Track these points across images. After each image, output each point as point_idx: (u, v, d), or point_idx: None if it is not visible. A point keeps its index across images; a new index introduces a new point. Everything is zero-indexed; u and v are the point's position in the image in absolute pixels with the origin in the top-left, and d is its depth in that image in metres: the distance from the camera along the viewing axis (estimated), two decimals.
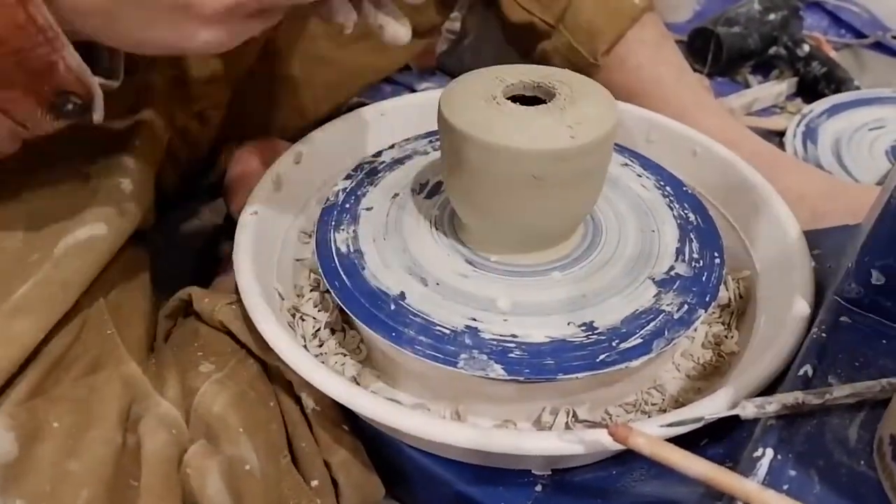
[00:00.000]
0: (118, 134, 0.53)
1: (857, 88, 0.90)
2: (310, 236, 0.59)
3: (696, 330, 0.52)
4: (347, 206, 0.54)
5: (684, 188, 0.57)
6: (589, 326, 0.46)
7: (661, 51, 0.73)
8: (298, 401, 0.49)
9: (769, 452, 0.38)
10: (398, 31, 0.43)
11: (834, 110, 0.86)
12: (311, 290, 0.55)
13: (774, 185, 0.57)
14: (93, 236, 0.47)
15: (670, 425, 0.40)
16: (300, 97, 0.72)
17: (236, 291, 0.49)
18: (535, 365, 0.43)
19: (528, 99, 0.47)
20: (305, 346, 0.50)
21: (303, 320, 0.53)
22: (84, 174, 0.49)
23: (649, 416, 0.48)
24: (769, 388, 0.43)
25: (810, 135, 0.81)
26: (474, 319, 0.46)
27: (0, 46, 0.33)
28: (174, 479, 0.41)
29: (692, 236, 0.52)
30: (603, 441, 0.39)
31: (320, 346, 0.52)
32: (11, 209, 0.47)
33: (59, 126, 0.39)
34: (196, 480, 0.42)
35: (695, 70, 0.88)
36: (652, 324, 0.46)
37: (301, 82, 0.72)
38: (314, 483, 0.46)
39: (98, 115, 0.39)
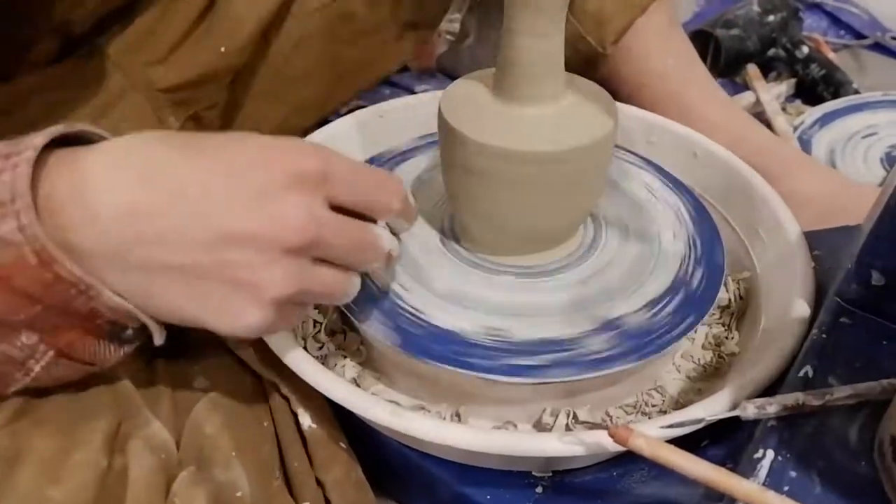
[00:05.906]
0: None
1: (857, 91, 0.90)
2: None
3: (696, 331, 0.52)
4: None
5: (684, 190, 0.57)
6: (589, 328, 0.46)
7: (669, 42, 0.71)
8: (294, 418, 0.46)
9: (770, 454, 0.38)
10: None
11: (825, 119, 0.84)
12: None
13: (781, 187, 0.57)
14: None
15: (671, 426, 0.40)
16: (298, 96, 0.72)
17: None
18: (533, 367, 0.43)
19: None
20: (305, 348, 0.50)
21: (303, 322, 0.53)
22: None
23: (650, 418, 0.48)
24: (769, 390, 0.43)
25: (804, 147, 0.80)
26: (474, 321, 0.46)
27: (38, 303, 0.33)
28: None
29: (692, 238, 0.52)
30: (603, 442, 0.39)
31: (320, 348, 0.52)
32: None
33: (128, 352, 0.39)
34: None
35: None
36: (651, 325, 0.46)
37: (298, 80, 0.71)
38: None
39: (159, 339, 0.38)
